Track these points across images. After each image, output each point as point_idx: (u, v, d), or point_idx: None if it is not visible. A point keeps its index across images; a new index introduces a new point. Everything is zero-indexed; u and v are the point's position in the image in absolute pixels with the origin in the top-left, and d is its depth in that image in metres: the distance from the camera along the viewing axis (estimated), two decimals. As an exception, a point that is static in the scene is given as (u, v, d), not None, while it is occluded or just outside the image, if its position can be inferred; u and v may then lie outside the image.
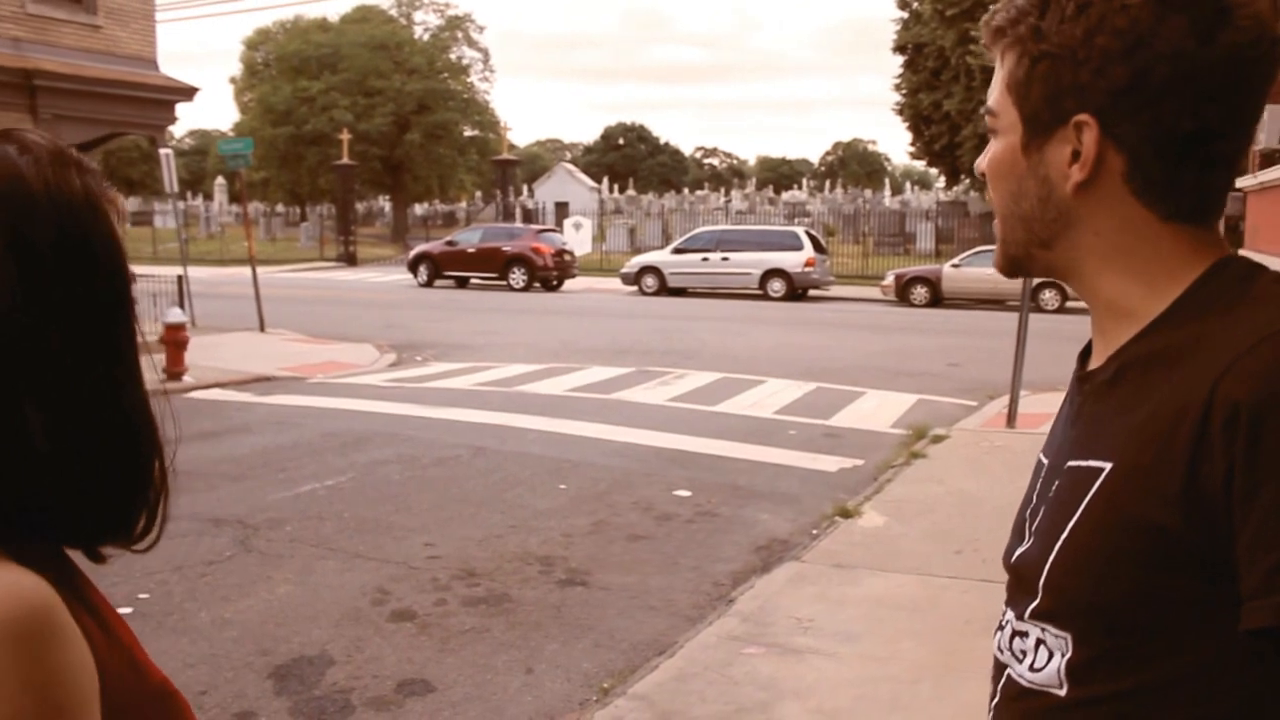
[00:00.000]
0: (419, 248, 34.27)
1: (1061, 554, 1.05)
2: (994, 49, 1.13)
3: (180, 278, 17.75)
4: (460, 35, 58.04)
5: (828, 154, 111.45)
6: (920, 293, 26.23)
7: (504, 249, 30.80)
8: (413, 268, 32.62)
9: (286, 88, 52.23)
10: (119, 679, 0.94)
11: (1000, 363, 12.66)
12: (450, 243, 32.91)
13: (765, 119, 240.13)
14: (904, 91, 43.76)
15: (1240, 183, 13.22)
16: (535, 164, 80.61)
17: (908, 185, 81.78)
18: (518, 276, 30.49)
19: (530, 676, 5.16)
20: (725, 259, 28.23)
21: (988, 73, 1.30)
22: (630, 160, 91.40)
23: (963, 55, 36.71)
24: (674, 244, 30.94)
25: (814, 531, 7.46)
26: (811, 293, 28.37)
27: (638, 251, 36.33)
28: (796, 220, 41.21)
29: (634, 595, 6.27)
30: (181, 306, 16.07)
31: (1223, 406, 0.94)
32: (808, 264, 27.56)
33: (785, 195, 67.08)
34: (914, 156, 47.24)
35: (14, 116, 15.56)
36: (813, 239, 28.72)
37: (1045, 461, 1.17)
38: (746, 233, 30.71)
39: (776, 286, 27.63)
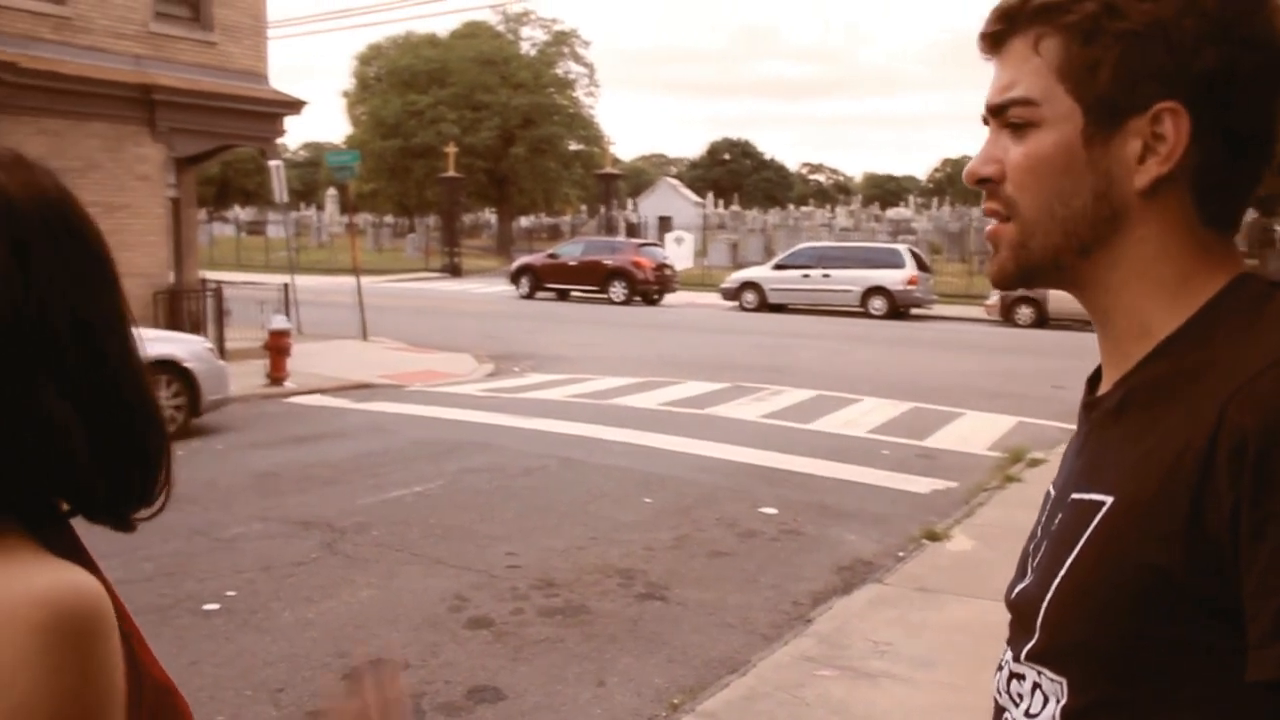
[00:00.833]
0: (521, 260, 34.68)
1: (1058, 592, 0.98)
2: (1024, 33, 1.02)
3: (287, 286, 18.20)
4: (566, 50, 58.62)
5: (935, 170, 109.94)
6: (1025, 313, 25.67)
7: (605, 262, 30.99)
8: (515, 279, 33.01)
9: (396, 101, 53.31)
10: (133, 673, 0.95)
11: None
12: (552, 255, 33.23)
13: (872, 135, 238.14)
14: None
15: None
16: (639, 178, 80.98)
17: (1017, 203, 79.99)
18: (618, 290, 30.63)
19: (601, 689, 5.15)
20: (826, 275, 28.00)
21: None
22: (735, 175, 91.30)
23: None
24: (775, 260, 30.81)
25: (899, 554, 7.32)
26: (913, 311, 27.96)
27: (739, 267, 36.23)
28: (901, 238, 40.72)
29: (711, 612, 6.23)
30: (287, 314, 16.46)
31: (1229, 436, 0.87)
32: (910, 282, 27.19)
33: (890, 212, 66.36)
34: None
35: (132, 129, 16.17)
36: (915, 257, 28.34)
37: (1052, 493, 1.09)
38: (848, 249, 30.43)
39: (878, 304, 27.31)
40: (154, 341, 9.31)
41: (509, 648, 5.60)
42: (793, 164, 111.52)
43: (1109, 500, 0.95)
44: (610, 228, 44.38)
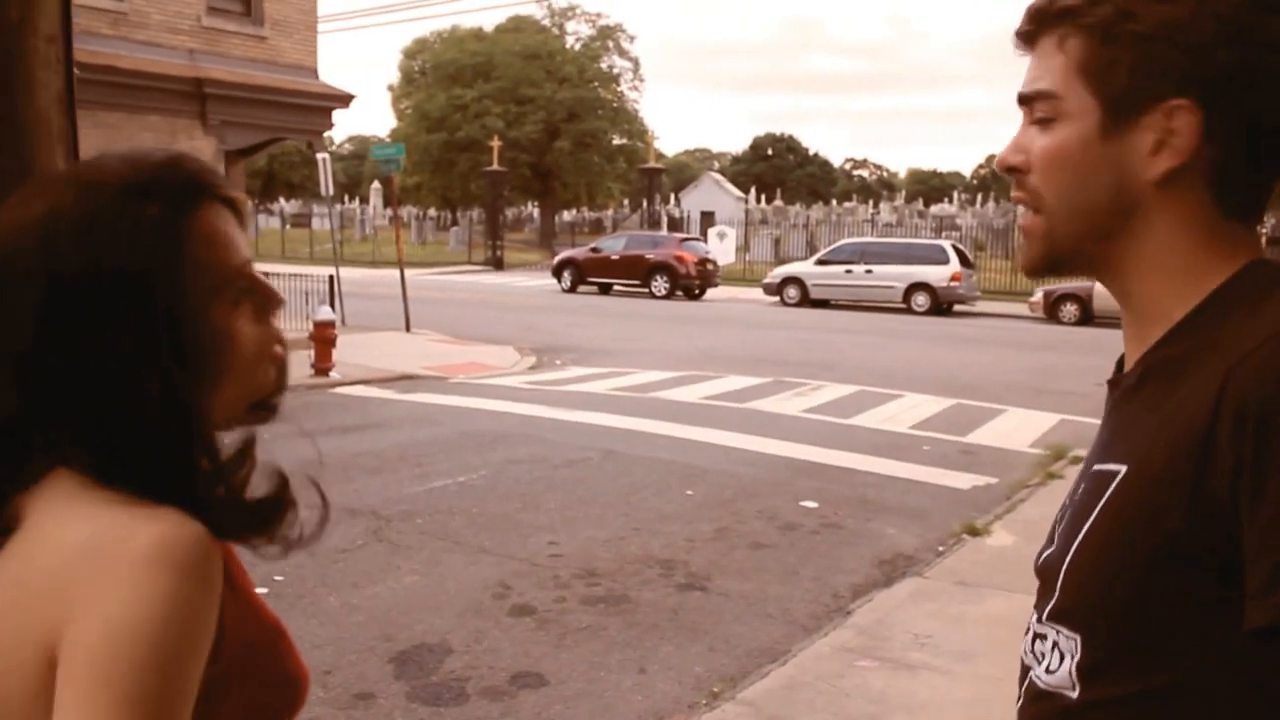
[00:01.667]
0: (564, 253, 34.80)
1: (1076, 555, 1.06)
2: (1051, 32, 1.10)
3: (331, 278, 18.41)
4: (611, 45, 58.72)
5: (980, 167, 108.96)
6: (1070, 310, 25.49)
7: (647, 256, 31.04)
8: (557, 273, 33.13)
9: (441, 95, 53.63)
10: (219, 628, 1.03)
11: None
12: (594, 249, 33.32)
13: (917, 130, 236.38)
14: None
15: None
16: (683, 173, 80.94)
17: (1064, 200, 79.09)
18: (660, 284, 30.69)
19: (642, 676, 5.22)
20: (869, 271, 27.90)
21: None
22: (778, 171, 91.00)
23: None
24: (818, 255, 30.75)
25: (940, 548, 7.35)
26: (957, 308, 27.82)
27: (782, 262, 36.19)
28: (945, 234, 40.49)
29: (752, 602, 6.28)
30: (332, 306, 16.68)
31: (1231, 403, 0.94)
32: (953, 278, 27.03)
33: (934, 208, 65.82)
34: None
35: (185, 122, 16.42)
36: (959, 253, 28.17)
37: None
38: (891, 245, 30.29)
39: (920, 300, 27.19)
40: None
41: (552, 635, 5.69)
42: (837, 159, 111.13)
43: (1123, 469, 1.03)
44: (653, 222, 44.42)
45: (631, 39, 66.73)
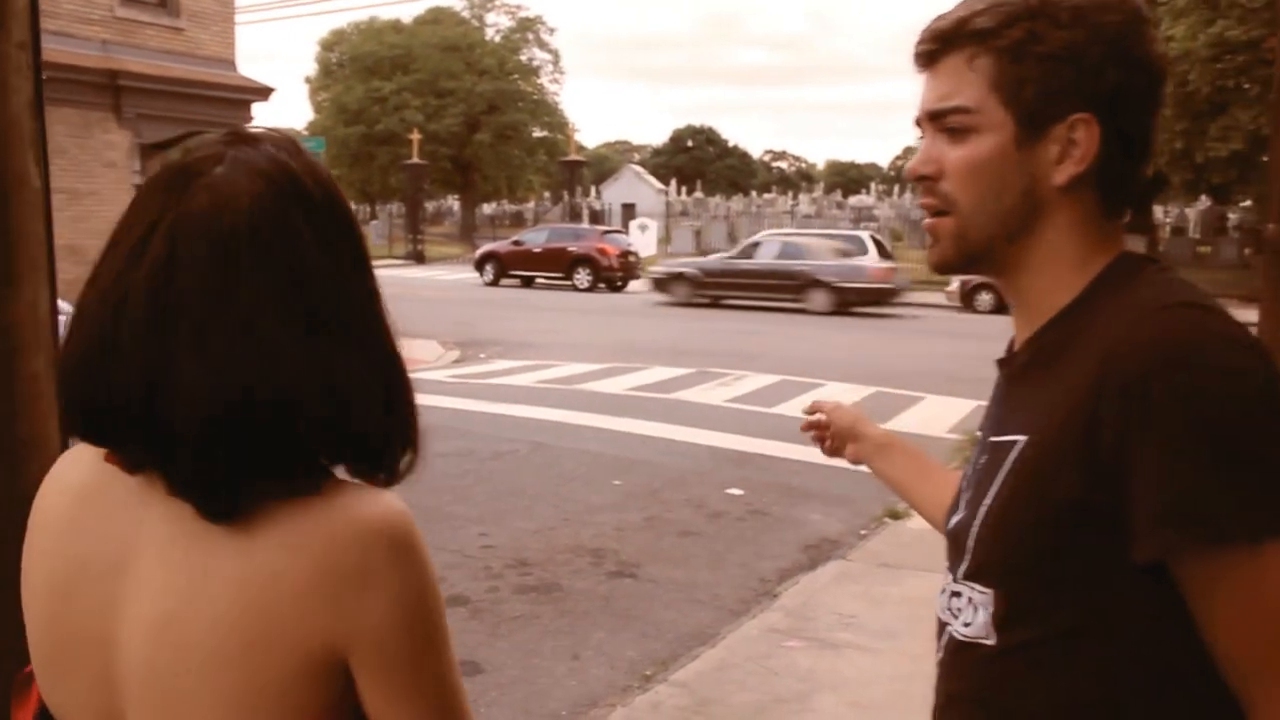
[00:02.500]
0: (486, 247, 34.69)
1: (985, 519, 1.20)
2: (958, 52, 1.21)
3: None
4: (531, 37, 58.57)
5: (897, 158, 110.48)
6: (985, 299, 26.00)
7: (569, 249, 31.07)
8: (479, 266, 33.02)
9: (359, 88, 53.04)
10: None
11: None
12: (517, 242, 33.26)
13: (836, 122, 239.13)
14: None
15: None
16: (604, 165, 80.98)
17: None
18: (582, 277, 30.73)
19: (576, 662, 5.33)
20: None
21: None
22: (699, 163, 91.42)
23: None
24: (738, 247, 30.97)
25: (862, 532, 7.56)
26: (876, 298, 28.19)
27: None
28: (863, 225, 40.99)
29: (681, 588, 6.42)
30: (254, 300, 16.48)
31: (1114, 376, 1.08)
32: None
33: (853, 199, 66.70)
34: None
35: (99, 115, 16.13)
36: (878, 244, 28.52)
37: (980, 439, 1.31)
38: (810, 237, 30.60)
39: (841, 291, 27.46)
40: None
41: (485, 624, 5.77)
42: (756, 151, 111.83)
43: (1021, 439, 1.17)
44: (574, 215, 44.43)
45: (551, 31, 66.73)
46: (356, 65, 54.92)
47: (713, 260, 28.39)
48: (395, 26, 55.94)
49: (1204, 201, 44.16)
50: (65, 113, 15.60)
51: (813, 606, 5.97)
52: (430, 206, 57.64)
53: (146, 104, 16.60)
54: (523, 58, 58.14)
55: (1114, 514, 1.08)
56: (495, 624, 5.79)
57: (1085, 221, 1.22)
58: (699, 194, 67.17)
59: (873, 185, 79.78)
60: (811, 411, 1.89)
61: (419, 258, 43.18)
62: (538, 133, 57.51)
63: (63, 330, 1.09)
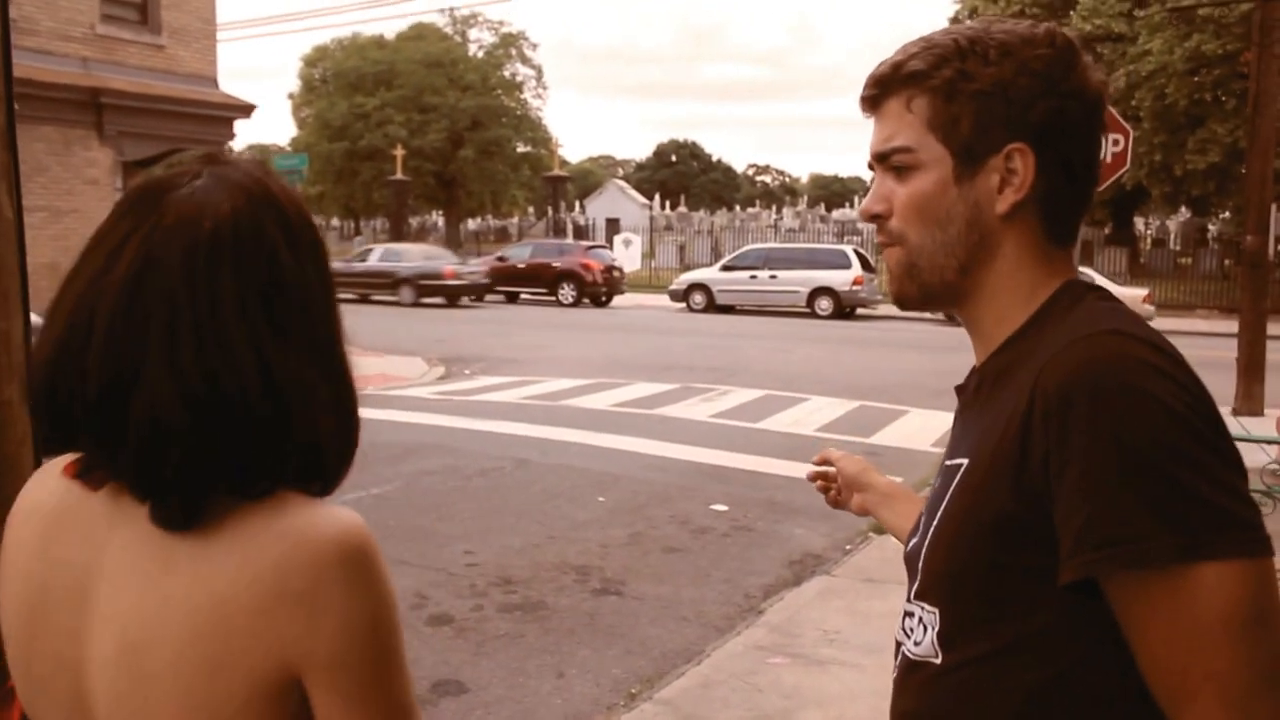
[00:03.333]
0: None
1: (932, 540, 1.24)
2: (897, 95, 1.27)
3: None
4: (514, 53, 58.69)
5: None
6: (969, 312, 26.15)
7: (553, 265, 31.09)
8: (464, 282, 32.96)
9: (343, 104, 53.08)
10: None
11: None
12: (501, 258, 33.26)
13: (819, 136, 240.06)
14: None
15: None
16: (587, 180, 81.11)
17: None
18: (567, 292, 30.76)
19: (561, 680, 5.32)
20: (773, 277, 28.29)
21: None
22: (682, 177, 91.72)
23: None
24: (722, 261, 31.09)
25: (847, 547, 7.57)
26: (859, 311, 28.33)
27: (687, 268, 36.49)
28: (847, 238, 41.12)
29: (666, 605, 6.42)
30: (237, 318, 16.44)
31: (1041, 399, 1.11)
32: (855, 282, 27.56)
33: (836, 213, 66.99)
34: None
35: (80, 132, 16.10)
36: (861, 257, 28.69)
37: None
38: (795, 250, 30.77)
39: (824, 305, 27.66)
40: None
41: (470, 643, 5.76)
42: (740, 165, 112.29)
43: (965, 462, 1.21)
44: (558, 230, 44.49)
45: (534, 46, 66.82)
46: (340, 81, 54.97)
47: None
48: (378, 42, 56.03)
49: (1184, 213, 44.50)
50: (46, 130, 15.57)
51: (797, 622, 5.98)
52: (414, 222, 57.60)
53: (128, 121, 16.58)
54: (506, 73, 58.27)
55: (1046, 534, 1.11)
56: (480, 642, 5.77)
57: (1032, 248, 1.25)
58: (683, 208, 67.35)
59: (856, 199, 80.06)
60: (821, 462, 1.90)
61: (403, 273, 43.06)
62: (521, 148, 57.61)
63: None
